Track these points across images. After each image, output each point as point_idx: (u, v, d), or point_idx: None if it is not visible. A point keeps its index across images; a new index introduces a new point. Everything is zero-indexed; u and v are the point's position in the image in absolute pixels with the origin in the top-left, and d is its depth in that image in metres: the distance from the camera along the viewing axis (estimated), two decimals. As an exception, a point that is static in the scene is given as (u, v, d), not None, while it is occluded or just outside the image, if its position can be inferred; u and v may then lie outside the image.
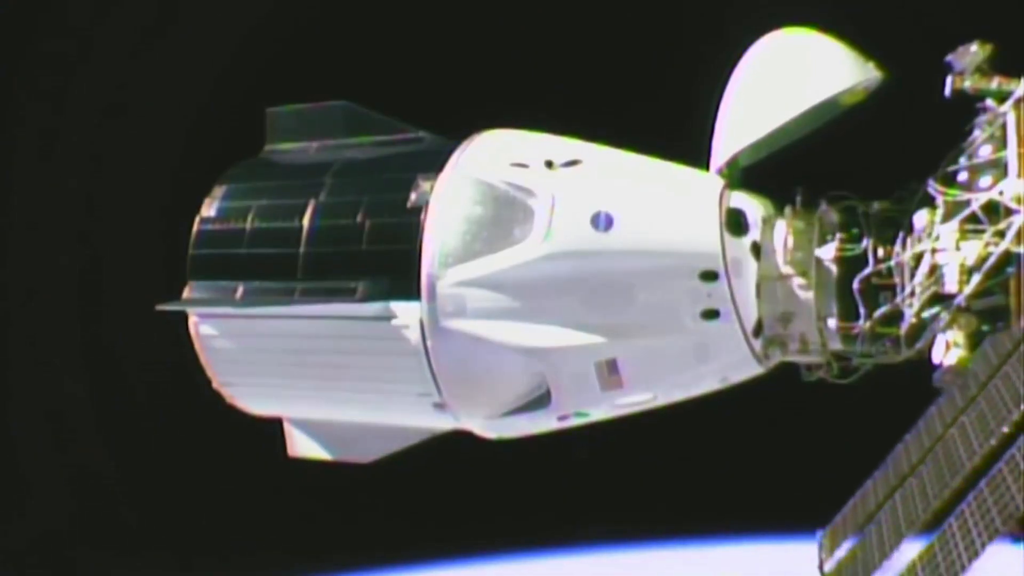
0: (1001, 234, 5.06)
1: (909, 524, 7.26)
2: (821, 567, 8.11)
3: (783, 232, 5.69)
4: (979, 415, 5.57)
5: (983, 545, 6.08)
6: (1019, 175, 5.14)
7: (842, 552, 7.92)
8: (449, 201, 5.89)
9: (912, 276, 5.31)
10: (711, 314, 5.61)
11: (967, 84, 5.50)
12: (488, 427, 6.21)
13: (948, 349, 5.10)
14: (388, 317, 5.88)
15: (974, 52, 5.50)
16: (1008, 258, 5.04)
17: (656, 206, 5.78)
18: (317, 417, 6.86)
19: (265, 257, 6.36)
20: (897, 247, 5.45)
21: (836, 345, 5.71)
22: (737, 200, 5.76)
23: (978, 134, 5.42)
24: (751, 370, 5.90)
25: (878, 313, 5.43)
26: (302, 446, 7.05)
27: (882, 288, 5.48)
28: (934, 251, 5.20)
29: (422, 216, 5.88)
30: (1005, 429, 6.18)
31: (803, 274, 5.59)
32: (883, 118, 6.17)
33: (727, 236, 5.62)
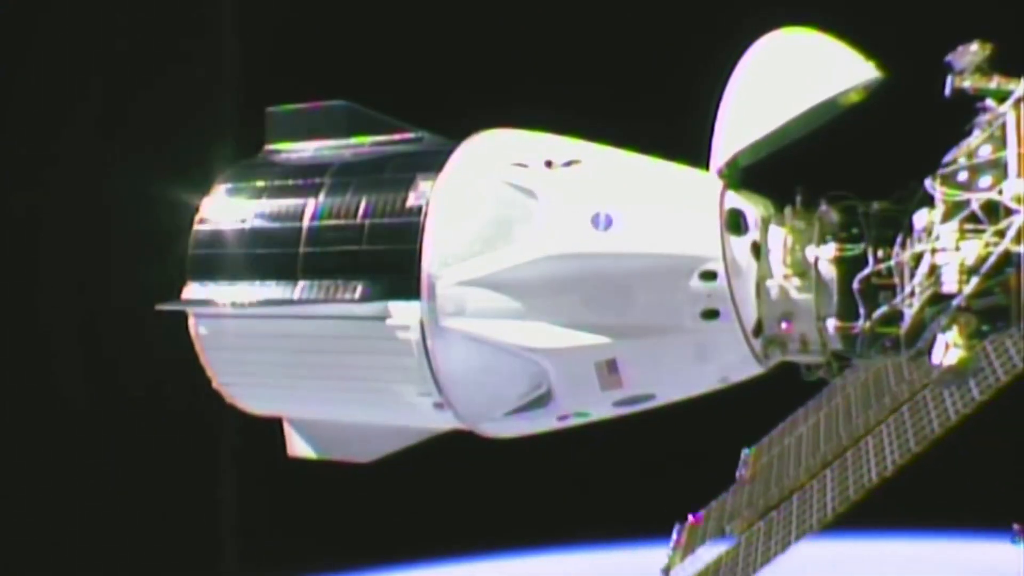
0: (1001, 234, 5.04)
1: (828, 439, 7.34)
2: (741, 479, 8.20)
3: (783, 232, 5.68)
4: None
5: (894, 463, 6.14)
6: (1019, 175, 5.12)
7: (763, 462, 8.04)
8: (449, 201, 5.89)
9: (912, 276, 5.30)
10: (711, 314, 5.61)
11: (967, 84, 5.49)
12: (488, 427, 6.21)
13: (948, 349, 5.08)
14: (388, 317, 5.88)
15: (974, 52, 5.49)
16: (1008, 258, 5.02)
17: (656, 206, 5.78)
18: (317, 417, 6.86)
19: (264, 257, 6.36)
20: (897, 247, 5.44)
21: (836, 345, 5.71)
22: (737, 200, 5.76)
23: (978, 134, 5.41)
24: (751, 370, 5.90)
25: (877, 313, 5.42)
26: (302, 446, 7.05)
27: (882, 288, 5.46)
28: (934, 251, 5.19)
29: (422, 216, 5.88)
30: None
31: (803, 274, 5.58)
32: (883, 118, 6.16)
33: (727, 236, 5.62)
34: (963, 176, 5.28)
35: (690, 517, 8.51)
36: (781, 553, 6.52)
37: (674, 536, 8.35)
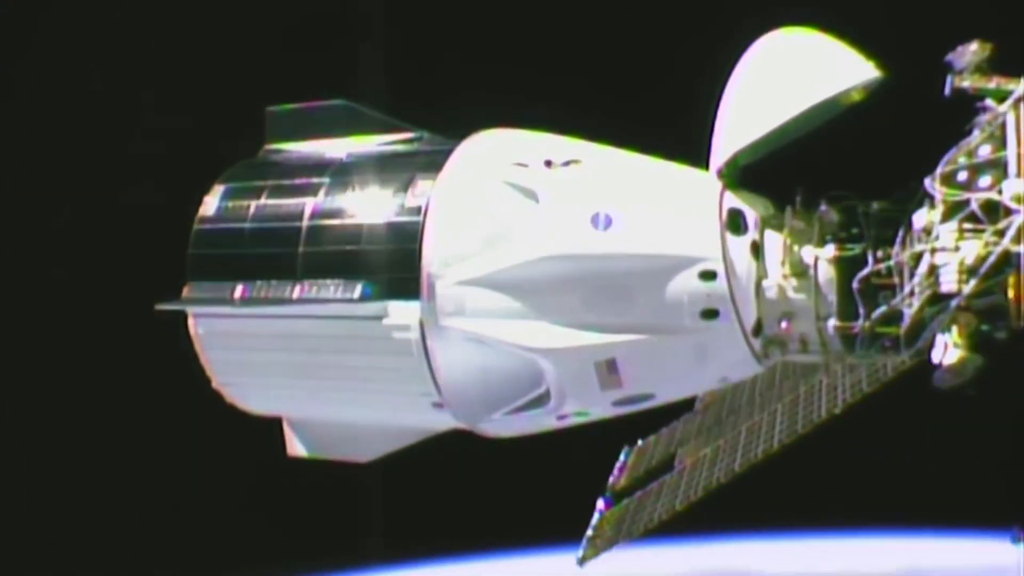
0: (1001, 234, 5.04)
1: (785, 376, 7.44)
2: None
3: (783, 232, 5.68)
4: None
5: (844, 401, 6.21)
6: (1019, 175, 5.12)
7: (719, 394, 8.15)
8: (448, 201, 5.90)
9: (911, 276, 5.30)
10: (710, 314, 5.61)
11: (967, 84, 5.48)
12: (488, 427, 6.21)
13: (947, 349, 5.08)
14: (387, 317, 5.88)
15: (974, 52, 5.48)
16: (1008, 258, 5.02)
17: (656, 206, 5.78)
18: (316, 417, 6.86)
19: (264, 257, 6.36)
20: (896, 247, 5.44)
21: (836, 345, 5.71)
22: (737, 200, 5.76)
23: (978, 134, 5.41)
24: (751, 370, 5.90)
25: (877, 313, 5.42)
26: (302, 446, 7.06)
27: (882, 288, 5.47)
28: (933, 251, 5.18)
29: (421, 216, 5.88)
30: None
31: (802, 274, 5.58)
32: (883, 118, 6.15)
33: (727, 236, 5.62)
34: (963, 176, 5.28)
35: (639, 441, 8.50)
36: (724, 481, 6.57)
37: (621, 459, 8.37)
